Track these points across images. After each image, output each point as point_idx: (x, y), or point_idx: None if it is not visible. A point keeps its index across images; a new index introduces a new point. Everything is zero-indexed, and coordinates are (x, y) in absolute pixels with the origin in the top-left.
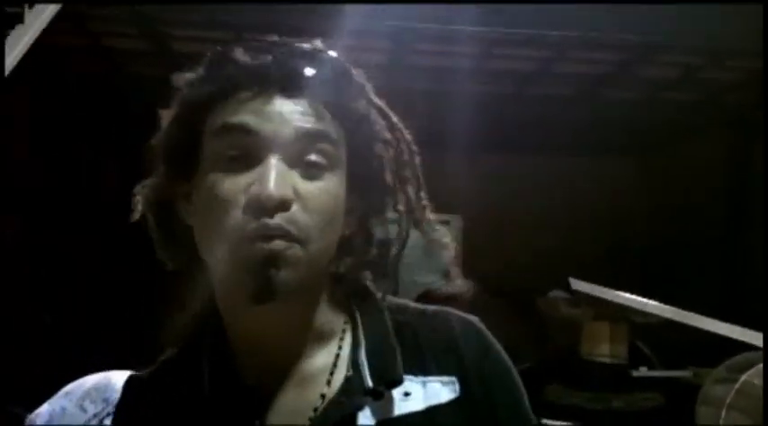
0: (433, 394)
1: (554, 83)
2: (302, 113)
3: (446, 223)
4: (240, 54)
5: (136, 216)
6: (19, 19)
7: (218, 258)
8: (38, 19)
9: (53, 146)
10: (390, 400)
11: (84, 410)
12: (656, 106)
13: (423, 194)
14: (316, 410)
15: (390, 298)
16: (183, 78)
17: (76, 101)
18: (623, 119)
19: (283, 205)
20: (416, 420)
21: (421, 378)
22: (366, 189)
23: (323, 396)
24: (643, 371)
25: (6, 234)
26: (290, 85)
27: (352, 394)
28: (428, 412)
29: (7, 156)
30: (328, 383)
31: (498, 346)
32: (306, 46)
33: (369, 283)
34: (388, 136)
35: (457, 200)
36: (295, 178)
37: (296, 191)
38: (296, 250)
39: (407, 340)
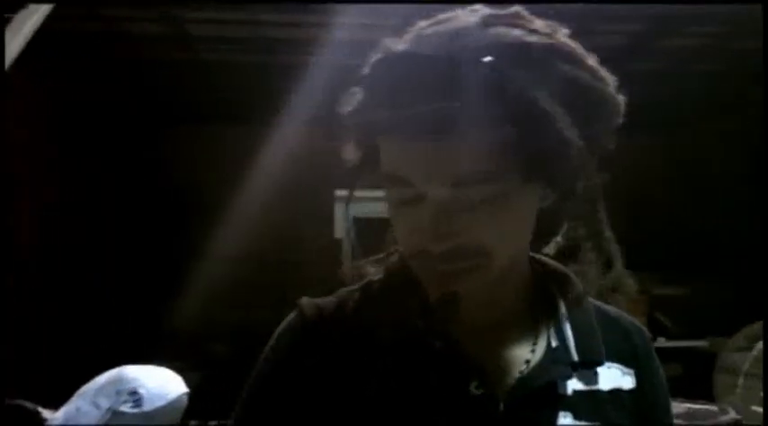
0: (616, 378)
1: None
2: (461, 156)
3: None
4: (405, 79)
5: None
6: (21, 4)
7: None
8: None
9: (67, 133)
10: (586, 375)
11: (97, 406)
12: (679, 79)
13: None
14: (521, 373)
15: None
16: (352, 97)
17: (91, 87)
18: (646, 93)
19: (449, 249)
20: (603, 398)
21: (607, 364)
22: (552, 177)
23: (527, 362)
24: (661, 342)
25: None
26: (462, 126)
27: (558, 363)
28: (612, 393)
29: (16, 143)
30: (532, 351)
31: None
32: (481, 58)
33: (566, 268)
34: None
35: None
36: (460, 212)
37: (460, 226)
38: (478, 272)
39: (596, 326)
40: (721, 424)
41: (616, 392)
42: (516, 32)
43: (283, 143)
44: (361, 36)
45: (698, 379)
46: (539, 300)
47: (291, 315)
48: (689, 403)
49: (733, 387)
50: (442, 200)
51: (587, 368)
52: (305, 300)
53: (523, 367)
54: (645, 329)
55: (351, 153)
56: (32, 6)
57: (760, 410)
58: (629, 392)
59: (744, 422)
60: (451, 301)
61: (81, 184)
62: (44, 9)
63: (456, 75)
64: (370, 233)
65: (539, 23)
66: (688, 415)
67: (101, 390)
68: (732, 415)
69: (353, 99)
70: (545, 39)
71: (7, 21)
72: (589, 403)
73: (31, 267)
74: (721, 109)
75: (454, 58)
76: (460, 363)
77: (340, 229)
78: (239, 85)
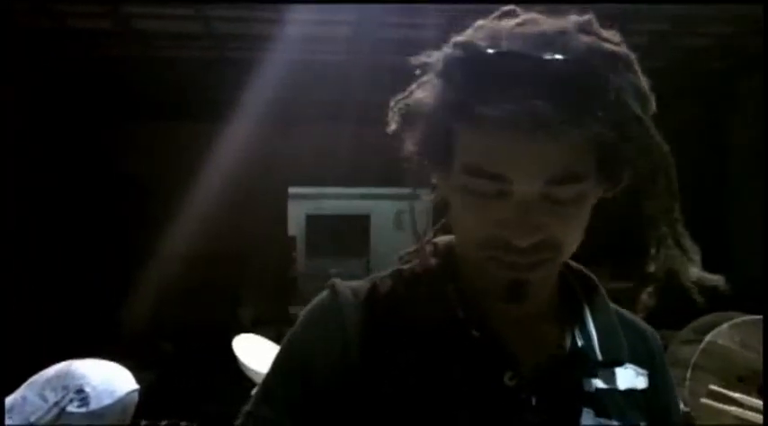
0: (631, 379)
1: None
2: (558, 155)
3: (416, 197)
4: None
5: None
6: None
7: (471, 255)
8: None
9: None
10: (606, 374)
11: (44, 399)
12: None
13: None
14: (547, 368)
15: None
16: (444, 62)
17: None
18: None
19: (532, 244)
20: (619, 397)
21: (625, 363)
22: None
23: (555, 357)
24: None
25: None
26: (544, 123)
27: (584, 361)
28: (627, 393)
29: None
30: (560, 347)
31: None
32: (570, 59)
33: (590, 273)
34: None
35: (428, 174)
36: (545, 208)
37: (544, 222)
38: (548, 264)
39: (617, 329)
40: None
41: (631, 392)
42: (604, 40)
43: (237, 140)
44: (315, 32)
45: None
46: (564, 299)
47: (323, 294)
48: None
49: (682, 380)
50: (533, 197)
51: (608, 368)
52: (337, 281)
53: (552, 362)
54: (657, 333)
55: (420, 144)
56: None
57: (708, 402)
58: (643, 392)
59: (692, 415)
60: (523, 288)
61: (35, 183)
62: None
63: (561, 75)
64: (323, 230)
65: (605, 32)
66: None
67: (48, 382)
68: (681, 407)
69: (435, 91)
70: (622, 48)
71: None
72: (609, 401)
73: None
74: (666, 103)
75: (561, 60)
76: (496, 353)
77: (293, 227)
78: (192, 82)
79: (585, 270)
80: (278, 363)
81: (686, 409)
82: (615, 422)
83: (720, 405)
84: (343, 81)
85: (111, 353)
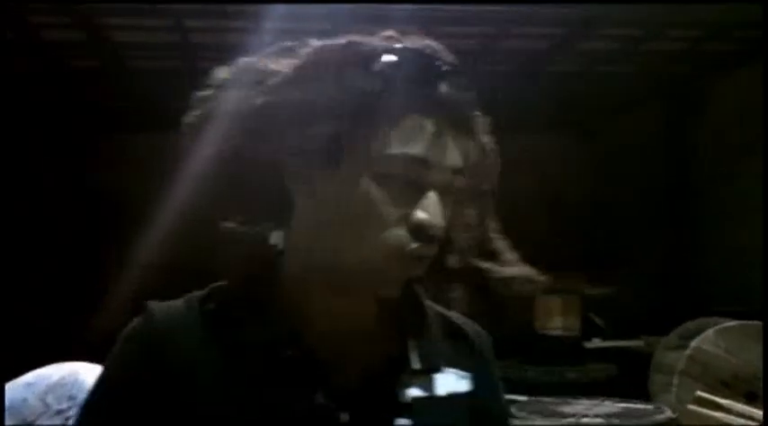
0: (452, 383)
1: (497, 59)
2: (458, 148)
3: None
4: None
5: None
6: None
7: (348, 254)
8: None
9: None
10: (424, 381)
11: (46, 405)
12: (595, 79)
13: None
14: (363, 380)
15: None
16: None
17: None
18: (564, 94)
19: (439, 237)
20: (440, 403)
21: (445, 369)
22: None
23: (370, 371)
24: (596, 342)
25: None
26: (459, 120)
27: (399, 371)
28: (449, 398)
29: None
30: (376, 359)
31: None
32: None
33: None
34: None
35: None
36: (448, 199)
37: (448, 208)
38: (422, 271)
39: (439, 335)
40: (657, 423)
41: (453, 396)
42: None
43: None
44: (286, 41)
45: (633, 379)
46: (383, 307)
47: (138, 319)
48: (624, 402)
49: (668, 386)
50: (447, 186)
51: (425, 375)
52: (152, 303)
53: (365, 375)
54: (485, 333)
55: (308, 144)
56: None
57: (695, 408)
58: (465, 395)
59: (679, 421)
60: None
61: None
62: None
63: (451, 76)
64: None
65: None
66: (624, 415)
67: (52, 389)
68: (668, 414)
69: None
70: None
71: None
72: (427, 408)
73: None
74: (630, 107)
75: (447, 62)
76: (309, 372)
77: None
78: (165, 92)
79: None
80: (91, 397)
81: (673, 415)
82: None
83: (707, 411)
84: None
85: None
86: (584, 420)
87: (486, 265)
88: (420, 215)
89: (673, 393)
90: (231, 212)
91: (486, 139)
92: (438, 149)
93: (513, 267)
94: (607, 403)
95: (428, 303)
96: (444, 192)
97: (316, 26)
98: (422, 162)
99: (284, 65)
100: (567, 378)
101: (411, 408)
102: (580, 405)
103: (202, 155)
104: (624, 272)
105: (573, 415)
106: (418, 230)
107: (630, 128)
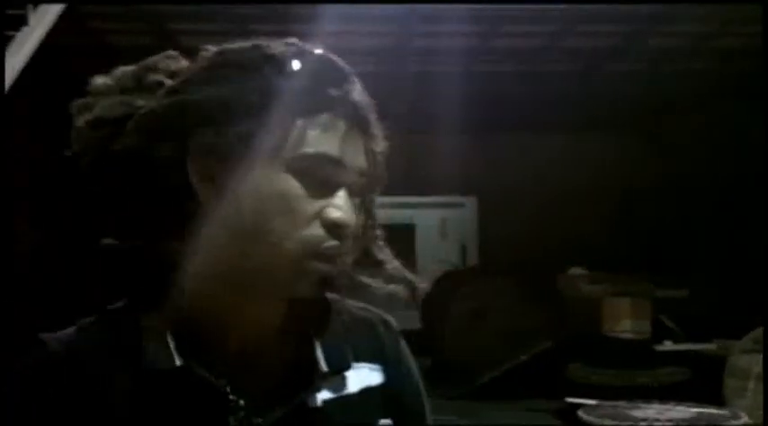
0: (364, 378)
1: (561, 59)
2: (363, 150)
3: (461, 206)
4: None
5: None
6: (23, 21)
7: (258, 254)
8: (42, 20)
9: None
10: (336, 383)
11: None
12: (663, 78)
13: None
14: (274, 389)
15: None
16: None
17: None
18: (632, 93)
19: (350, 234)
20: (353, 400)
21: (354, 365)
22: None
23: (280, 382)
24: (667, 345)
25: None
26: (365, 123)
27: (306, 378)
28: (362, 393)
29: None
30: (285, 370)
31: (403, 340)
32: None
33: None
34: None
35: (471, 182)
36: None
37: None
38: (337, 269)
39: (344, 331)
40: None
41: (366, 391)
42: None
43: None
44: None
45: (706, 383)
46: (294, 310)
47: (32, 351)
48: (697, 407)
49: (743, 391)
50: (355, 185)
51: (335, 375)
52: (44, 336)
53: (278, 389)
54: (391, 320)
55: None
56: (33, 24)
57: None
58: (378, 387)
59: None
60: (311, 294)
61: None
62: (44, 28)
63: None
64: None
65: None
66: (697, 420)
67: None
68: (744, 420)
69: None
70: None
71: (9, 39)
72: (340, 409)
73: None
74: (700, 105)
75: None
76: (219, 396)
77: None
78: None
79: None
80: None
81: (750, 421)
82: None
83: None
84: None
85: None
86: (657, 424)
87: (368, 281)
88: (335, 213)
89: (748, 398)
90: (111, 227)
91: (383, 146)
92: (350, 149)
93: (392, 283)
94: (679, 407)
95: (332, 298)
96: (350, 192)
97: (305, 29)
98: (336, 161)
99: (187, 67)
100: (636, 382)
101: (322, 411)
102: (651, 410)
103: (90, 162)
104: (696, 275)
105: (644, 420)
106: (333, 228)
107: (700, 128)
